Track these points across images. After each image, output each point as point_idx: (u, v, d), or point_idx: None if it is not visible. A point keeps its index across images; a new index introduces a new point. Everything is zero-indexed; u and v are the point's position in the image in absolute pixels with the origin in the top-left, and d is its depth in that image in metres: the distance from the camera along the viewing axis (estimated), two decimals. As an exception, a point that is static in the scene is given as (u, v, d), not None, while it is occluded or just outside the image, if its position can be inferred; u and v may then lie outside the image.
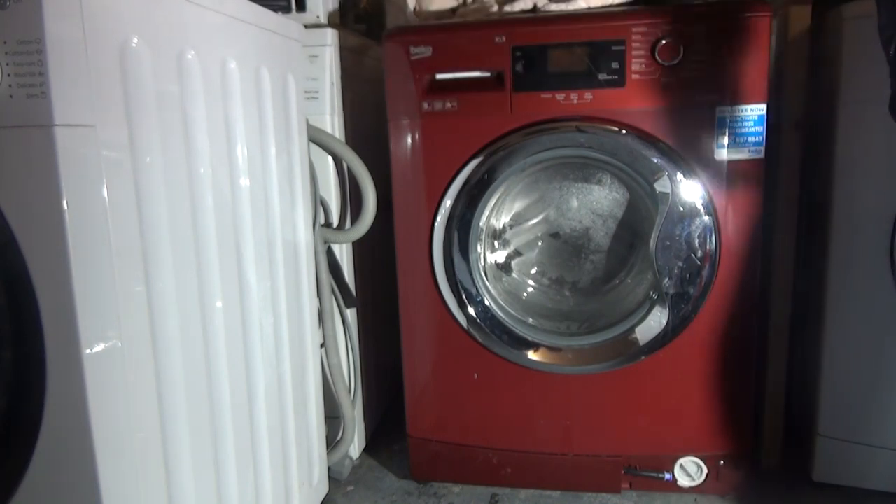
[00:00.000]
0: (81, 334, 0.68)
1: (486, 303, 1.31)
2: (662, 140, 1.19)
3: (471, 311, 1.31)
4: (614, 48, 1.18)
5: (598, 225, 1.40)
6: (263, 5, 1.05)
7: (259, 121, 1.03)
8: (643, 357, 1.27)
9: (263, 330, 1.05)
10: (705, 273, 1.21)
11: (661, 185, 1.18)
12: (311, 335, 1.25)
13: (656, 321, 1.24)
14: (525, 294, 1.44)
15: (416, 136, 1.27)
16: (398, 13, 1.49)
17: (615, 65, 1.18)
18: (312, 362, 1.25)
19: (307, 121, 1.25)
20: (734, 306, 1.24)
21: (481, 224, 1.30)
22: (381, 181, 1.35)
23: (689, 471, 1.32)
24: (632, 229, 1.38)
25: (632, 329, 1.26)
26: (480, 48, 1.22)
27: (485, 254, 1.36)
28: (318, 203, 1.31)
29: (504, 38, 1.20)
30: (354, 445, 1.49)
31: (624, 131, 1.19)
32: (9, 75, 0.64)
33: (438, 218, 1.28)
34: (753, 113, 1.17)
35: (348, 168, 1.36)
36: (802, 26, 1.26)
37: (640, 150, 1.18)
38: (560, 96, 1.20)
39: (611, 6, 1.29)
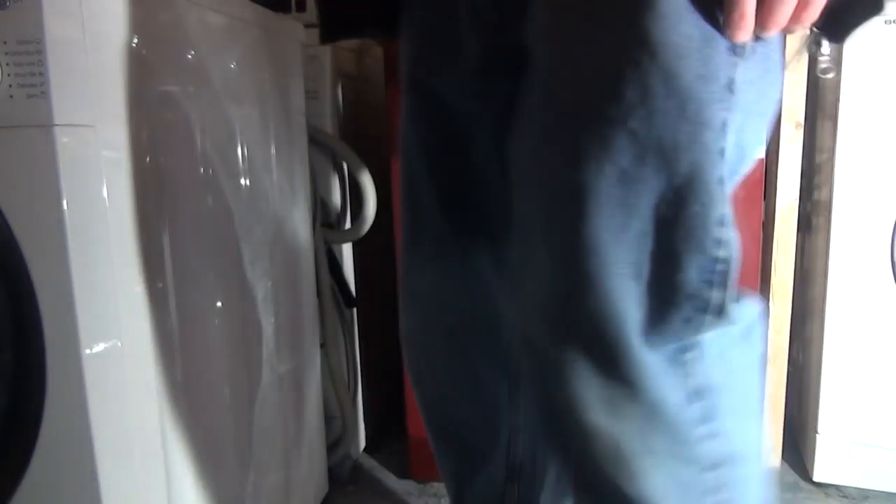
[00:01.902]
0: (81, 334, 0.68)
1: (486, 303, 1.31)
2: (662, 140, 1.18)
3: (471, 311, 1.30)
4: (614, 48, 1.17)
5: (598, 225, 1.39)
6: (263, 5, 1.05)
7: (259, 121, 1.03)
8: (643, 357, 1.26)
9: (263, 330, 1.04)
10: (705, 273, 1.21)
11: (661, 185, 1.18)
12: (311, 335, 1.25)
13: (656, 321, 1.24)
14: (525, 294, 1.44)
15: (416, 136, 1.27)
16: (398, 13, 1.49)
17: (615, 65, 1.17)
18: (312, 362, 1.25)
19: (307, 121, 1.25)
20: (734, 306, 1.23)
21: (481, 224, 1.30)
22: (381, 181, 1.35)
23: (689, 471, 1.32)
24: (632, 229, 1.38)
25: (632, 329, 1.26)
26: (480, 48, 1.21)
27: (485, 254, 1.36)
28: (318, 203, 1.31)
29: (504, 38, 1.20)
30: (354, 445, 1.49)
31: (624, 131, 1.18)
32: (9, 75, 0.64)
33: (438, 218, 1.28)
34: (753, 113, 1.17)
35: (348, 168, 1.36)
36: (802, 26, 1.25)
37: (640, 150, 1.18)
38: (560, 96, 1.20)
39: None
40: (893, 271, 1.19)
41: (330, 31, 0.64)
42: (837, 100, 1.19)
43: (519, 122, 0.54)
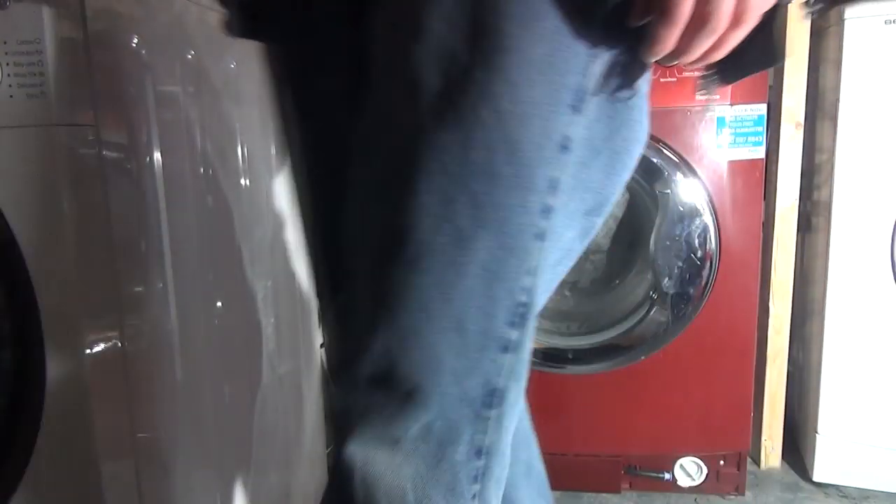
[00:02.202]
0: (81, 334, 0.68)
1: (486, 303, 1.31)
2: (662, 140, 1.19)
3: (471, 311, 1.31)
4: (614, 48, 1.17)
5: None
6: (263, 5, 1.05)
7: (259, 121, 1.03)
8: (643, 357, 1.27)
9: (263, 330, 1.04)
10: (705, 273, 1.21)
11: (661, 185, 1.18)
12: (312, 335, 1.25)
13: (656, 321, 1.24)
14: (525, 294, 1.44)
15: (416, 136, 1.27)
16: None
17: (615, 65, 1.18)
18: (312, 362, 1.25)
19: (307, 121, 1.25)
20: (734, 306, 1.23)
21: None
22: (381, 181, 1.35)
23: (689, 471, 1.32)
24: (632, 229, 1.38)
25: (632, 329, 1.26)
26: (480, 48, 1.21)
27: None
28: (318, 203, 1.31)
29: (504, 38, 1.20)
30: (354, 445, 1.49)
31: (624, 131, 1.19)
32: (9, 75, 0.64)
33: (438, 218, 1.28)
34: (753, 113, 1.17)
35: (348, 168, 1.36)
36: (802, 26, 1.26)
37: (640, 150, 1.18)
38: (560, 96, 1.20)
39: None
40: (893, 271, 1.19)
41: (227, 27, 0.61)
42: (837, 100, 1.19)
43: (356, 161, 0.51)
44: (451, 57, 0.45)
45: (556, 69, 0.46)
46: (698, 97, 1.17)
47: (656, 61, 0.47)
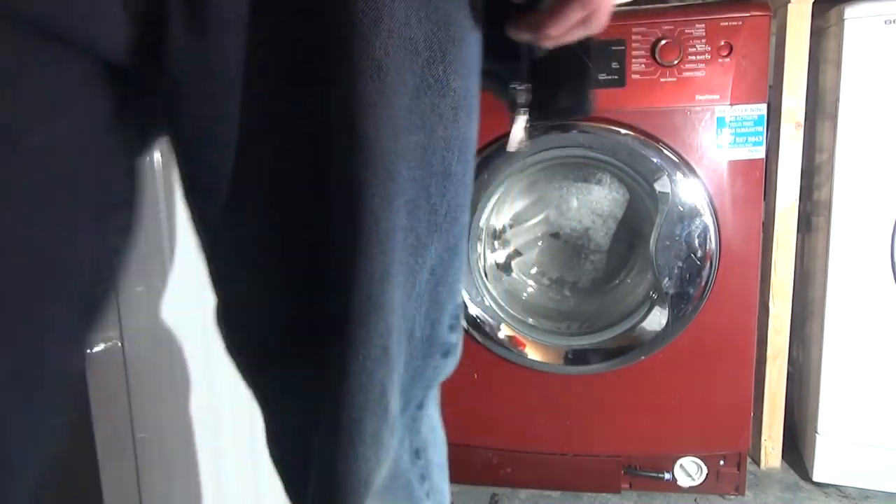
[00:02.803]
0: (81, 334, 0.68)
1: (487, 303, 1.31)
2: (662, 140, 1.19)
3: (471, 311, 1.31)
4: (614, 48, 1.17)
5: (598, 225, 1.40)
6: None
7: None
8: (643, 357, 1.27)
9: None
10: (705, 273, 1.21)
11: (661, 185, 1.18)
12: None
13: (656, 321, 1.24)
14: (525, 294, 1.44)
15: (416, 136, 1.27)
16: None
17: (615, 65, 1.18)
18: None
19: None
20: (734, 306, 1.23)
21: (481, 224, 1.30)
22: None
23: (689, 471, 1.32)
24: (632, 229, 1.38)
25: (632, 329, 1.26)
26: (480, 48, 1.21)
27: (485, 254, 1.36)
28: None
29: (504, 38, 1.20)
30: (354, 445, 1.49)
31: (624, 131, 1.19)
32: (9, 75, 0.64)
33: (438, 218, 1.28)
34: (753, 113, 1.17)
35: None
36: (802, 26, 1.26)
37: (640, 150, 1.18)
38: (560, 96, 1.20)
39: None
40: (893, 271, 1.19)
41: None
42: (837, 100, 1.19)
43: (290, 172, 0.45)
44: (413, 51, 0.41)
45: (478, 58, 0.44)
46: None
47: (512, 35, 0.45)
